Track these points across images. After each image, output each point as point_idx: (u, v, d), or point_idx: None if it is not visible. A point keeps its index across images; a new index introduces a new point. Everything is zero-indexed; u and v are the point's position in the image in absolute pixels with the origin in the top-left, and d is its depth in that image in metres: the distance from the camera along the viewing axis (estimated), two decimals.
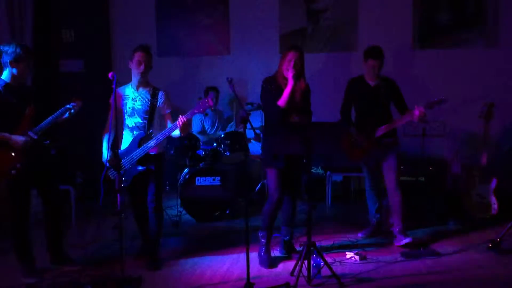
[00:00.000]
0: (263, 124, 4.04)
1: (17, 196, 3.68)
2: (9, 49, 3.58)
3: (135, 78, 3.90)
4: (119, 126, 3.94)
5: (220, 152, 5.49)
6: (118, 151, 3.79)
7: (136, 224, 4.07)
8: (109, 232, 4.72)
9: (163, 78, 6.79)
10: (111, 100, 3.70)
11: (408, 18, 6.24)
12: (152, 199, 3.90)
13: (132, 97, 3.89)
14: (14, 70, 3.60)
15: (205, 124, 6.11)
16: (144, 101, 3.89)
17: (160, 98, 3.91)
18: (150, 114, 3.88)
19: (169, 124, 3.91)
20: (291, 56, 3.85)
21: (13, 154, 3.55)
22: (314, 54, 6.45)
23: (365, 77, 4.40)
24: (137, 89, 3.91)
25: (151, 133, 3.86)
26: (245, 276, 3.34)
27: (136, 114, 3.87)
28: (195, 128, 6.08)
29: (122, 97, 3.91)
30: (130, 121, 3.89)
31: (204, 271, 3.84)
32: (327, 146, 3.68)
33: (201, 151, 5.59)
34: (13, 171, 3.55)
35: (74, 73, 6.50)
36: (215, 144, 5.56)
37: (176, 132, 3.75)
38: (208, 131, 6.13)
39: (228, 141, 5.44)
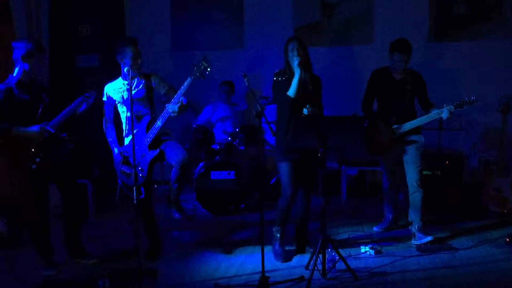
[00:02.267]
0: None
1: (36, 189, 3.75)
2: (20, 45, 3.64)
3: (126, 72, 3.71)
4: (111, 122, 3.99)
5: (235, 146, 5.51)
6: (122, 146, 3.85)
7: (144, 222, 4.00)
8: (125, 225, 4.78)
9: (177, 72, 6.84)
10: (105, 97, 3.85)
11: (425, 10, 6.15)
12: (179, 158, 3.77)
13: (126, 88, 3.86)
14: (26, 66, 3.65)
15: (212, 118, 6.07)
16: (139, 88, 3.89)
17: (153, 80, 3.92)
18: (150, 98, 3.90)
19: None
20: (292, 46, 3.84)
21: (33, 148, 3.62)
22: (329, 48, 6.42)
23: (390, 70, 4.26)
24: (130, 80, 3.72)
25: (155, 117, 3.88)
26: (259, 269, 3.35)
27: (135, 104, 3.83)
28: (200, 118, 6.06)
29: (116, 91, 3.91)
30: (130, 113, 3.78)
31: (219, 264, 3.87)
32: (342, 140, 3.66)
33: (216, 145, 5.61)
34: (33, 165, 3.61)
35: (90, 68, 6.57)
36: (229, 138, 5.57)
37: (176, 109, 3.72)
38: (214, 124, 6.09)
39: (243, 135, 5.45)
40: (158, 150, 3.84)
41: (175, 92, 3.82)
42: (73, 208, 3.95)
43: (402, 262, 3.81)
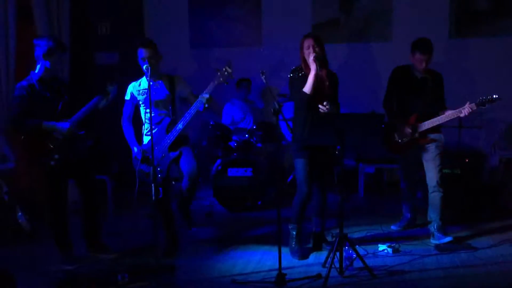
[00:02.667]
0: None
1: (55, 186, 3.81)
2: (42, 43, 3.70)
3: (146, 69, 3.75)
4: (130, 120, 4.03)
5: (252, 143, 5.52)
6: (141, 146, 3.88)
7: (163, 220, 4.02)
8: (144, 221, 4.82)
9: (196, 70, 6.88)
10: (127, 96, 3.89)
11: (445, 6, 6.06)
12: (191, 172, 3.86)
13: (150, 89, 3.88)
14: (47, 63, 3.71)
15: (235, 117, 6.13)
16: (161, 90, 3.91)
17: (176, 82, 3.95)
18: (172, 100, 3.92)
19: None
20: (307, 43, 3.82)
21: (52, 145, 3.68)
22: (347, 44, 6.38)
23: (412, 68, 4.22)
24: (153, 81, 3.88)
25: (175, 119, 3.90)
26: (277, 266, 3.36)
27: (156, 105, 3.88)
28: (225, 120, 6.11)
29: (138, 91, 3.95)
30: (151, 114, 3.78)
31: (236, 261, 3.89)
32: (359, 138, 3.65)
33: (234, 142, 5.63)
34: (52, 162, 3.67)
35: (110, 66, 6.63)
36: (247, 135, 5.59)
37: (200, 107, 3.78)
38: (238, 123, 6.14)
39: (260, 132, 5.45)
40: (177, 152, 3.88)
41: (195, 97, 3.86)
42: (92, 203, 4.00)
43: (420, 261, 3.78)
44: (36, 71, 3.74)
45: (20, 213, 4.39)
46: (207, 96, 3.76)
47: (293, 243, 3.98)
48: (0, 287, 2.87)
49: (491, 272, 3.56)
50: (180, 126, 3.83)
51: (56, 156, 3.69)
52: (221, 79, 3.78)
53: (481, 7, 5.98)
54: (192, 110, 3.79)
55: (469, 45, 6.03)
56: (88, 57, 6.62)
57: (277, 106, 3.44)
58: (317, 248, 4.08)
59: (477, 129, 5.34)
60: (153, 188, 3.34)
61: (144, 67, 3.67)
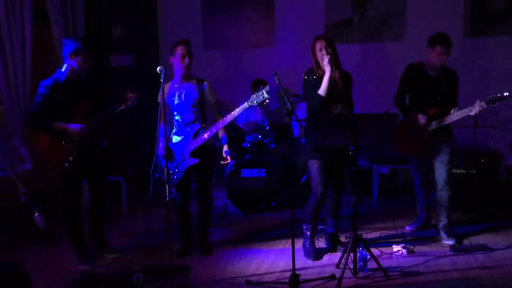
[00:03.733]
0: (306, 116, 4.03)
1: (69, 187, 3.86)
2: (70, 43, 3.76)
3: (178, 73, 3.93)
4: (167, 123, 3.98)
5: (265, 144, 5.52)
6: (168, 143, 3.85)
7: (178, 221, 4.10)
8: (158, 221, 4.85)
9: (209, 71, 6.89)
10: (160, 98, 3.74)
11: (460, 4, 6.00)
12: (202, 188, 3.99)
13: (178, 92, 3.93)
14: (74, 63, 3.77)
15: (249, 116, 6.15)
16: (191, 95, 3.92)
17: (206, 88, 3.93)
18: (200, 106, 3.90)
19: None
20: (319, 45, 3.81)
21: (67, 146, 3.73)
22: (361, 45, 6.35)
23: (425, 66, 4.19)
24: (181, 84, 3.95)
25: (204, 126, 3.90)
26: (290, 267, 3.36)
27: (185, 109, 3.90)
28: (239, 121, 6.13)
29: (168, 94, 3.96)
30: (179, 117, 3.94)
31: (250, 261, 3.90)
32: (373, 138, 3.64)
33: (247, 143, 5.64)
34: (66, 164, 3.72)
35: (124, 68, 6.69)
36: (260, 136, 5.59)
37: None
38: (252, 124, 6.15)
39: (274, 133, 5.46)
40: (197, 160, 3.85)
41: (218, 108, 3.94)
42: (100, 205, 4.05)
43: (435, 262, 3.75)
44: (63, 70, 3.80)
45: (37, 214, 4.44)
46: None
47: (307, 243, 3.97)
48: (16, 287, 2.91)
49: (508, 273, 3.52)
50: (205, 136, 3.81)
51: (71, 158, 3.74)
52: (255, 102, 3.67)
53: (497, 5, 5.91)
54: (220, 125, 3.78)
55: (484, 44, 5.97)
56: (102, 59, 6.69)
57: (290, 107, 3.44)
58: (332, 249, 4.07)
59: (492, 129, 5.28)
60: (167, 188, 3.35)
61: (158, 69, 3.60)
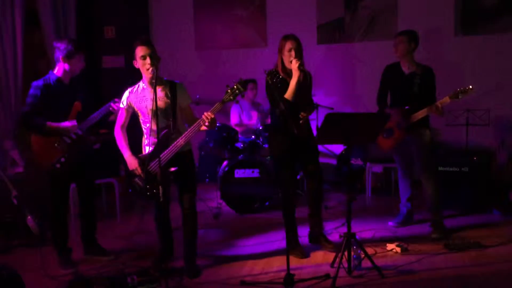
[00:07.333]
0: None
1: (57, 188, 3.85)
2: (62, 46, 3.74)
3: (146, 77, 3.52)
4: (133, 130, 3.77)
5: (258, 144, 5.52)
6: (144, 157, 3.57)
7: (157, 230, 3.86)
8: (151, 223, 4.83)
9: (201, 71, 6.89)
10: (124, 103, 3.60)
11: (451, 3, 6.04)
12: (185, 199, 3.63)
13: (150, 97, 3.49)
14: (66, 66, 3.75)
15: (242, 117, 6.15)
16: (163, 99, 3.53)
17: (178, 90, 3.55)
18: (173, 111, 3.52)
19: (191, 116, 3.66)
20: (289, 45, 3.80)
21: (59, 148, 3.71)
22: (353, 44, 6.37)
23: (401, 63, 4.34)
24: (151, 87, 3.45)
25: (178, 131, 3.54)
26: (285, 267, 3.36)
27: (158, 114, 3.32)
28: (232, 121, 6.12)
29: (138, 99, 3.58)
30: (152, 123, 3.52)
31: (244, 262, 3.89)
32: (366, 137, 3.65)
33: (240, 143, 5.63)
34: (57, 165, 3.71)
35: (116, 69, 6.67)
36: (253, 136, 5.59)
37: (203, 128, 3.47)
38: (245, 124, 6.15)
39: (267, 133, 5.45)
40: (176, 168, 3.49)
41: (191, 112, 3.62)
42: (90, 207, 4.04)
43: (429, 259, 3.76)
44: (55, 72, 3.78)
45: (29, 217, 4.42)
46: (211, 117, 3.39)
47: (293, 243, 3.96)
48: None
49: (500, 270, 3.54)
50: (181, 141, 3.45)
51: (62, 159, 3.72)
52: (231, 97, 3.41)
53: (487, 3, 5.94)
54: (194, 128, 3.44)
55: (476, 42, 6.00)
56: (94, 60, 6.66)
57: (282, 107, 3.44)
58: (314, 240, 4.08)
59: (484, 126, 5.31)
60: (160, 190, 3.27)
61: (146, 68, 3.44)
